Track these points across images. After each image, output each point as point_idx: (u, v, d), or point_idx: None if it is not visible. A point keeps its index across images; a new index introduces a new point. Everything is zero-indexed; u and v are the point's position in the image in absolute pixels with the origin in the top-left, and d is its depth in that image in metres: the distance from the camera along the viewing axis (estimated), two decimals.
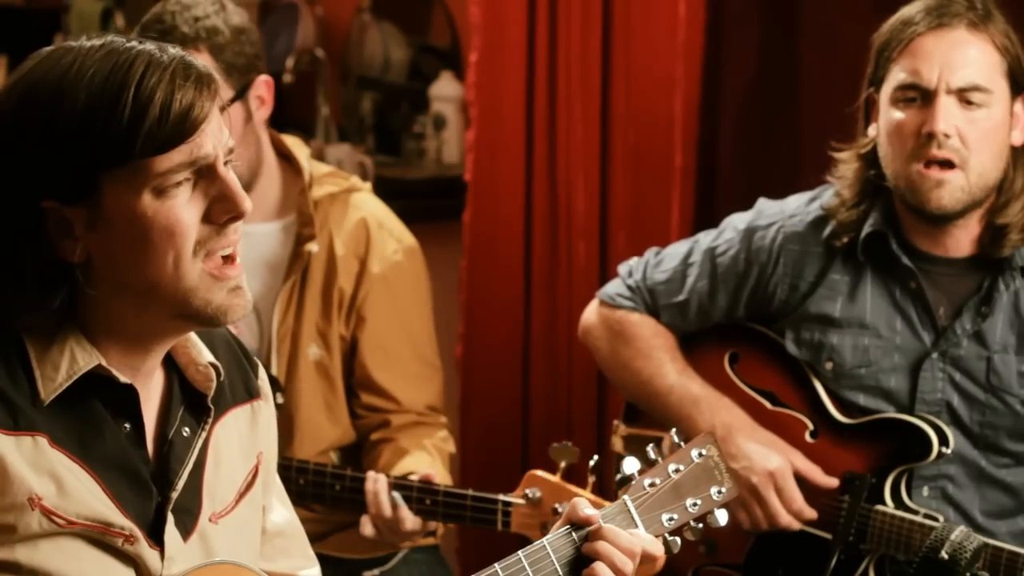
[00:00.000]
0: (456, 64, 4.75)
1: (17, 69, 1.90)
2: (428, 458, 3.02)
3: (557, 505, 2.64)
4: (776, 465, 2.92)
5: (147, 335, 1.93)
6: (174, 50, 1.89)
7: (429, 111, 4.80)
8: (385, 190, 4.43)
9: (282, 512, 2.19)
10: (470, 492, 2.83)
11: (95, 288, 1.89)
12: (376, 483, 2.87)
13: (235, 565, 2.01)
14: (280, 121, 3.68)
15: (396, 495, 2.85)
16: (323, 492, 2.95)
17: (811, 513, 2.94)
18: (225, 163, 1.91)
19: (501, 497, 2.75)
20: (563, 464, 2.61)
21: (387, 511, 2.85)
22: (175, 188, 1.86)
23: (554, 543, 2.11)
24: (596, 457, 2.52)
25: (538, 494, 2.67)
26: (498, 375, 4.03)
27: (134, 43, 1.88)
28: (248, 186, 3.00)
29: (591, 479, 2.54)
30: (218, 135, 1.89)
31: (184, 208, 1.87)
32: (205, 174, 1.88)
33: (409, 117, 4.88)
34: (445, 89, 4.77)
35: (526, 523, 2.70)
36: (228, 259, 1.92)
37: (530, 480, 2.69)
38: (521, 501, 2.69)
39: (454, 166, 4.65)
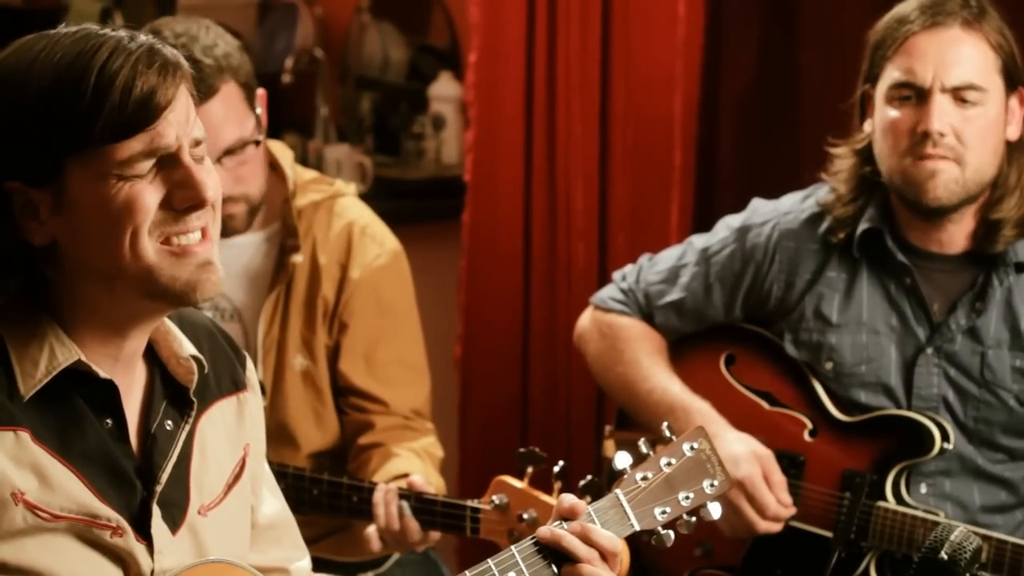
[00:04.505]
0: (455, 64, 4.75)
1: None
2: (418, 461, 2.99)
3: (523, 512, 2.61)
4: (744, 473, 2.90)
5: (121, 320, 1.93)
6: (145, 37, 1.89)
7: (428, 111, 4.80)
8: (384, 190, 4.45)
9: (273, 503, 2.19)
10: (440, 498, 2.81)
11: (59, 272, 1.89)
12: (387, 494, 2.85)
13: (227, 564, 2.00)
14: (279, 122, 3.68)
15: (404, 504, 2.83)
16: (302, 497, 2.93)
17: (788, 512, 2.92)
18: (197, 157, 1.90)
19: (470, 504, 2.73)
20: (530, 470, 2.58)
21: (395, 524, 2.84)
22: (136, 173, 1.85)
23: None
24: (561, 463, 2.49)
25: (505, 500, 2.64)
26: (497, 375, 4.03)
27: (107, 30, 1.89)
28: (262, 201, 2.98)
29: (556, 485, 2.51)
30: (183, 124, 1.89)
31: (144, 191, 1.86)
32: (167, 163, 1.88)
33: (408, 117, 4.88)
34: (444, 89, 4.77)
35: (494, 529, 2.67)
36: (203, 235, 1.91)
37: (497, 486, 2.66)
38: (488, 507, 2.68)
39: (453, 166, 4.65)
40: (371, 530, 2.87)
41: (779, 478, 2.92)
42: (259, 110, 2.96)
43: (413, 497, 2.82)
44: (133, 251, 1.86)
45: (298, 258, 3.02)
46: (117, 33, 1.88)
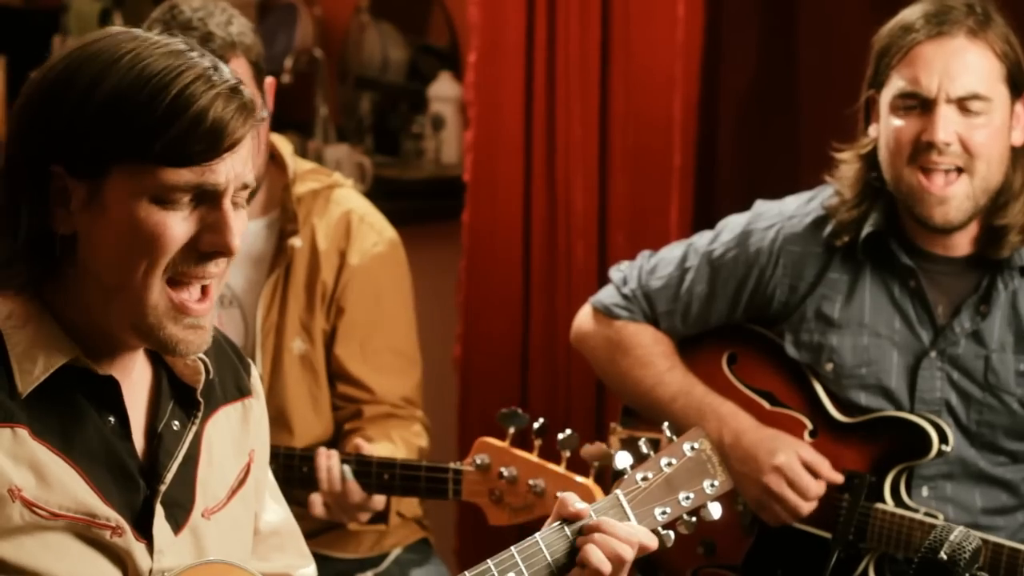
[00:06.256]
0: (455, 64, 4.74)
1: (86, 37, 1.91)
2: (390, 446, 3.02)
3: (503, 469, 2.64)
4: (782, 460, 2.92)
5: (113, 332, 1.92)
6: (229, 74, 1.87)
7: (428, 111, 4.80)
8: (384, 190, 4.45)
9: (277, 511, 2.19)
10: (424, 463, 2.84)
11: (70, 266, 1.88)
12: (329, 458, 2.89)
13: (227, 564, 2.00)
14: (279, 121, 3.67)
15: (346, 468, 2.87)
16: (275, 473, 2.95)
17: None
18: (237, 202, 1.89)
19: (452, 465, 2.76)
20: (512, 430, 2.60)
21: (337, 485, 2.87)
22: (175, 203, 1.85)
23: (546, 538, 2.13)
24: (542, 420, 2.53)
25: (487, 460, 2.67)
26: (497, 375, 4.03)
27: (195, 53, 1.87)
28: (257, 188, 3.00)
29: (537, 443, 2.55)
30: (239, 167, 1.87)
31: (177, 222, 1.85)
32: (208, 200, 1.87)
33: (408, 117, 4.88)
34: (444, 89, 4.77)
35: (476, 490, 2.71)
36: (203, 293, 1.90)
37: (479, 447, 2.70)
38: (470, 468, 2.70)
39: (453, 166, 4.65)
40: (315, 496, 2.91)
41: (820, 459, 2.93)
42: (267, 98, 3.00)
43: (354, 460, 2.87)
44: (144, 279, 1.85)
45: (296, 241, 3.07)
46: (204, 61, 1.86)
